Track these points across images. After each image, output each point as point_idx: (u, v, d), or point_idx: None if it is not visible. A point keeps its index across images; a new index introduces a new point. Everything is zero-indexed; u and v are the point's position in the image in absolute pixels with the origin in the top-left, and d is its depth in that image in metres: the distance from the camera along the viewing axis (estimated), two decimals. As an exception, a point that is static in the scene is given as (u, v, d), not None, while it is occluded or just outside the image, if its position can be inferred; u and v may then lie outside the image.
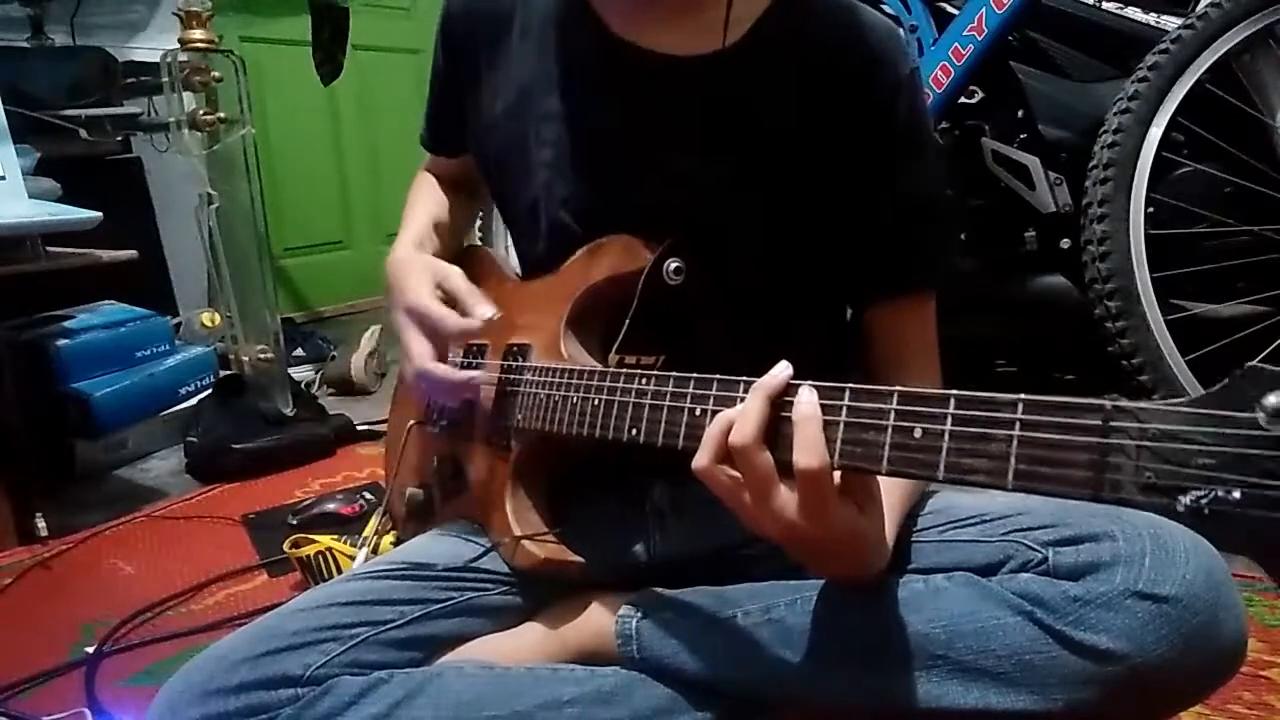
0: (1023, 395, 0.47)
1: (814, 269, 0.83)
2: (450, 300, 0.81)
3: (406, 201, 1.00)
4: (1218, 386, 0.40)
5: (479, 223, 1.77)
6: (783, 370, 0.58)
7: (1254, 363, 0.39)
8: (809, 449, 0.55)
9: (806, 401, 0.55)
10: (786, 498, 0.57)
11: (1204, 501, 0.40)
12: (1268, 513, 0.38)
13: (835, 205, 0.79)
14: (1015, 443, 0.47)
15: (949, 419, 0.50)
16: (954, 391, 0.50)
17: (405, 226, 0.95)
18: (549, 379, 0.76)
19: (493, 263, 0.96)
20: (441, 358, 0.81)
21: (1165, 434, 0.42)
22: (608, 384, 0.70)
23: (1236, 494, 0.39)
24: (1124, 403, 0.43)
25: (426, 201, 0.99)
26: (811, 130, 0.77)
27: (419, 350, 0.80)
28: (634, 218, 0.76)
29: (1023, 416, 0.47)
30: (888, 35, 0.79)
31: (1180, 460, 0.41)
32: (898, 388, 0.53)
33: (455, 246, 0.99)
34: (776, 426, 0.57)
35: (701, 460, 0.59)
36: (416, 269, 0.85)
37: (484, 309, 0.79)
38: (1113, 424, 0.43)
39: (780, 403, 0.57)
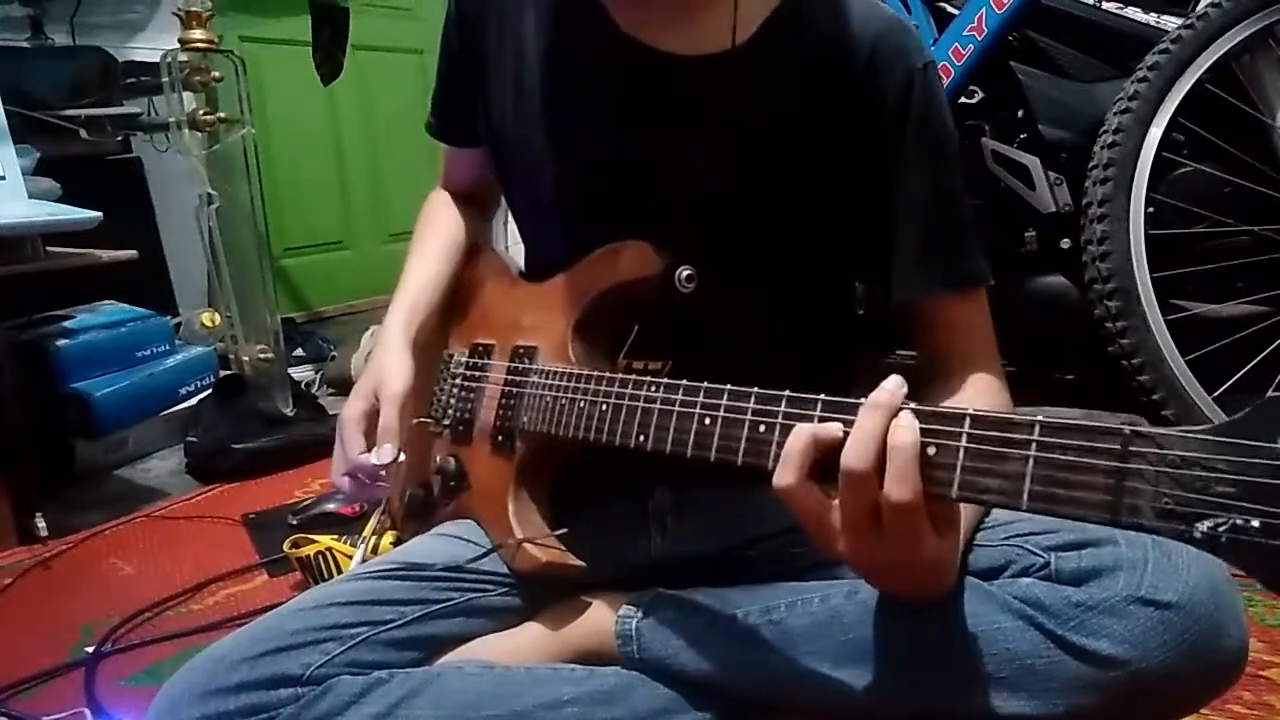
0: (1040, 417, 0.47)
1: (825, 272, 0.83)
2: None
3: (415, 230, 0.97)
4: (1238, 415, 0.41)
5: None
6: (899, 387, 0.54)
7: (1276, 394, 0.39)
8: (905, 479, 0.51)
9: (906, 427, 0.52)
10: (878, 526, 0.54)
11: (1221, 529, 0.40)
12: None
13: (851, 203, 0.78)
14: (1031, 463, 0.47)
15: (964, 437, 0.50)
16: (970, 410, 0.50)
17: (404, 277, 0.92)
18: (556, 382, 0.76)
19: (498, 263, 0.95)
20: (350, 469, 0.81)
21: (1185, 460, 0.42)
22: (615, 389, 0.70)
23: (1255, 523, 0.39)
24: (1143, 428, 0.43)
25: (431, 240, 0.95)
26: (823, 127, 0.77)
27: (334, 458, 0.82)
28: (645, 218, 0.75)
29: (1040, 438, 0.47)
30: (898, 30, 0.77)
31: (1199, 487, 0.41)
32: (911, 404, 0.52)
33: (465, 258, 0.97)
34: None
35: (786, 478, 0.56)
36: (371, 373, 0.83)
37: (383, 454, 0.78)
38: (1131, 449, 0.43)
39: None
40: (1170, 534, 0.41)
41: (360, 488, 0.81)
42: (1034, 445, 0.47)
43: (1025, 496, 0.47)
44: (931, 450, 0.51)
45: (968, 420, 0.50)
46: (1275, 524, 0.38)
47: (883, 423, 0.53)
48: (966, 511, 0.65)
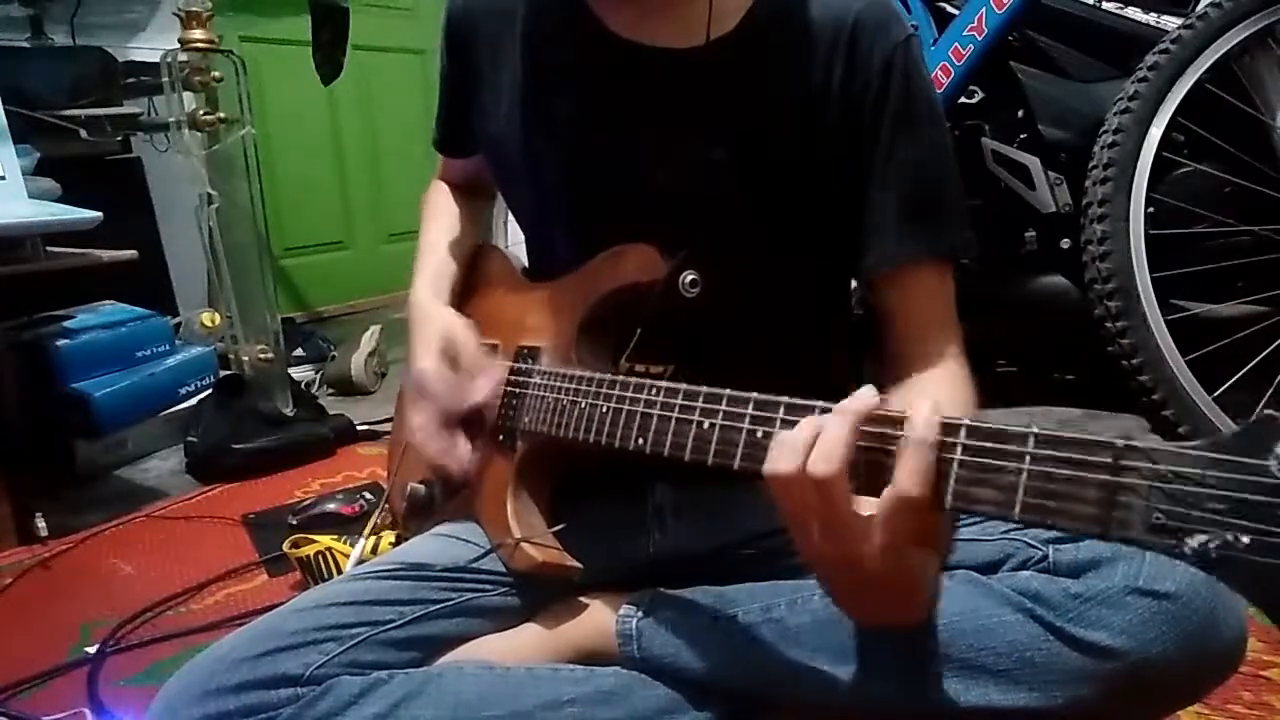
0: (1035, 428, 0.47)
1: (824, 268, 0.83)
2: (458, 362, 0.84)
3: (421, 216, 1.00)
4: (1233, 432, 0.41)
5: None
6: (869, 397, 0.53)
7: (1272, 412, 0.39)
8: (917, 476, 0.50)
9: (924, 424, 0.50)
10: (859, 529, 0.53)
11: (1211, 545, 0.40)
12: (1275, 560, 0.38)
13: (842, 183, 0.78)
14: (1025, 475, 0.46)
15: (959, 448, 0.49)
16: (965, 420, 0.50)
17: (421, 258, 0.95)
18: (558, 383, 0.76)
19: (504, 262, 0.96)
20: (443, 424, 0.83)
21: (1177, 475, 0.42)
22: (617, 392, 0.70)
23: (1245, 540, 0.39)
24: (1137, 442, 0.43)
25: (441, 221, 0.99)
26: (811, 109, 0.77)
27: (418, 422, 0.83)
28: (644, 216, 0.76)
29: (1033, 450, 0.46)
30: (878, 5, 0.78)
31: (1191, 503, 0.41)
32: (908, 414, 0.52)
33: (471, 251, 0.99)
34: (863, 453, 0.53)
35: (781, 464, 0.54)
36: (431, 331, 0.86)
37: (483, 384, 0.82)
38: (1124, 463, 0.43)
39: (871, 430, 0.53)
40: (1161, 549, 0.41)
41: (452, 442, 0.83)
42: (1028, 458, 0.46)
43: (1018, 508, 0.46)
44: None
45: (963, 431, 0.49)
46: (1266, 541, 0.38)
47: (849, 427, 0.52)
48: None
